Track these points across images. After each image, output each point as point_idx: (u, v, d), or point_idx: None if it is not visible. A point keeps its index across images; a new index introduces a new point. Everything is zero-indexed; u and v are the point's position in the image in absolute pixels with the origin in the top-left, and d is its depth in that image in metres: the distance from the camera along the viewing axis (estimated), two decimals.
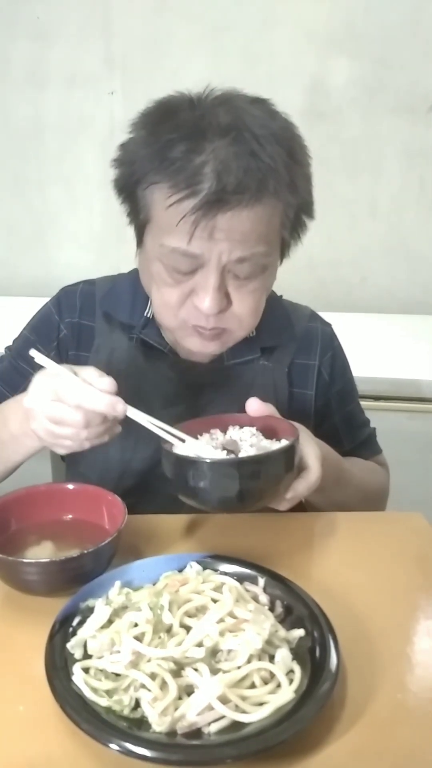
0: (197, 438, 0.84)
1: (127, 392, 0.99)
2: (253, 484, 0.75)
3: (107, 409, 0.77)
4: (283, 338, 1.05)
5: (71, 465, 1.09)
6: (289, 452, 0.77)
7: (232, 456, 0.78)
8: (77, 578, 0.73)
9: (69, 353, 1.03)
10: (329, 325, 1.12)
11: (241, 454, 0.79)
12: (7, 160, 2.19)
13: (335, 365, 1.09)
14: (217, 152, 0.76)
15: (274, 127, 0.81)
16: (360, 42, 1.94)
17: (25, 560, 0.73)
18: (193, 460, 0.75)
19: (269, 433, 0.85)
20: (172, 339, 0.98)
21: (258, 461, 0.76)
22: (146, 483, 1.00)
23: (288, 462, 0.78)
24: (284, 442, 0.80)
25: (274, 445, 0.81)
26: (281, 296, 1.11)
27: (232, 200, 0.77)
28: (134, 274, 1.03)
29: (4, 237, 2.27)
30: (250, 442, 0.81)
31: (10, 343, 1.10)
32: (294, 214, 0.85)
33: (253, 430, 0.84)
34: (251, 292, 0.87)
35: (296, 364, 1.06)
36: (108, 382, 0.78)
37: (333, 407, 1.10)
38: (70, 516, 0.86)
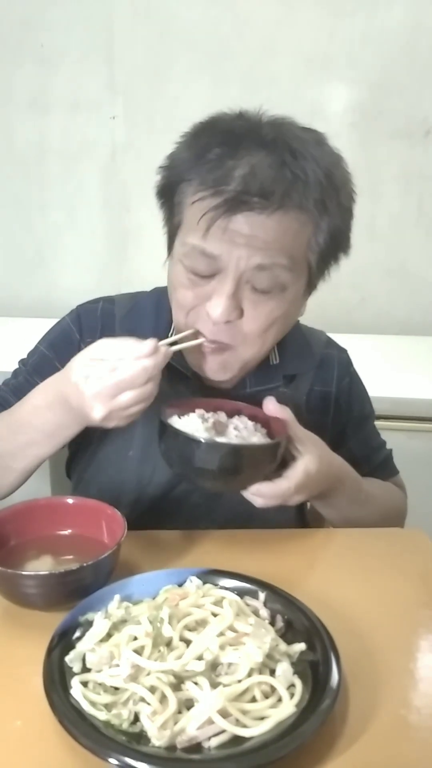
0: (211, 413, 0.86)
1: (147, 416, 0.99)
2: (211, 467, 0.78)
3: (156, 350, 0.78)
4: (304, 367, 1.04)
5: (81, 487, 1.06)
6: (259, 451, 0.81)
7: (205, 436, 0.80)
8: (76, 592, 0.73)
9: None
10: (345, 351, 1.11)
11: (219, 439, 0.80)
12: (10, 183, 2.21)
13: (352, 391, 1.09)
14: (250, 159, 0.78)
15: (316, 149, 0.81)
16: (358, 68, 1.97)
17: (24, 573, 0.73)
18: (172, 431, 0.80)
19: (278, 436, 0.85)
20: (194, 361, 0.95)
21: (218, 447, 0.77)
22: (159, 508, 0.99)
23: (254, 459, 0.80)
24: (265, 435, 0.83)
25: (258, 434, 0.83)
26: (297, 321, 1.08)
27: (253, 203, 0.78)
28: (156, 293, 1.03)
29: (7, 259, 2.29)
30: (238, 432, 0.82)
31: (24, 357, 1.07)
32: (324, 240, 0.84)
33: (256, 425, 0.85)
34: (267, 312, 0.85)
35: (314, 392, 1.05)
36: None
37: (349, 433, 1.09)
38: (70, 530, 0.85)
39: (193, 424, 0.82)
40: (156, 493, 0.99)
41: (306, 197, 0.79)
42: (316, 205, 0.81)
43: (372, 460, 1.12)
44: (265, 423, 0.87)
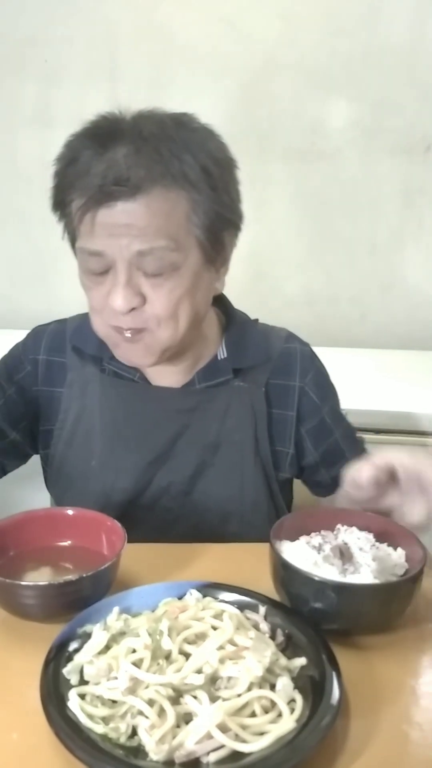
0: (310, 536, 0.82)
1: (103, 425, 1.00)
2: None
3: None
4: (256, 359, 1.04)
5: (57, 501, 1.09)
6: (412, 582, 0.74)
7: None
8: (75, 603, 0.72)
9: (33, 388, 1.04)
10: (308, 345, 1.11)
11: (362, 570, 0.75)
12: (13, 197, 2.22)
13: (321, 384, 1.08)
14: (110, 155, 0.81)
15: (174, 130, 0.84)
16: (359, 86, 1.99)
17: (23, 583, 0.72)
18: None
19: (384, 536, 0.81)
20: (122, 357, 0.98)
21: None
22: (128, 514, 0.99)
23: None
24: (402, 556, 0.78)
25: (393, 554, 0.78)
26: (256, 320, 1.11)
27: (114, 193, 0.81)
28: None
29: (9, 272, 2.30)
30: (366, 551, 0.78)
31: None
32: (204, 212, 0.86)
33: (370, 536, 0.81)
34: (167, 292, 0.87)
35: (273, 385, 1.04)
36: None
37: (330, 424, 1.08)
38: (69, 542, 0.85)
39: (306, 553, 0.78)
40: (122, 500, 1.00)
41: (165, 175, 0.82)
42: (179, 180, 0.83)
43: (356, 448, 1.11)
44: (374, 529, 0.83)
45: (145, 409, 1.01)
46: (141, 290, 0.87)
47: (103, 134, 0.84)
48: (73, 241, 0.92)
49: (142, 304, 0.87)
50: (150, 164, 0.81)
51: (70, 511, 0.86)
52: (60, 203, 0.90)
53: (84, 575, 0.72)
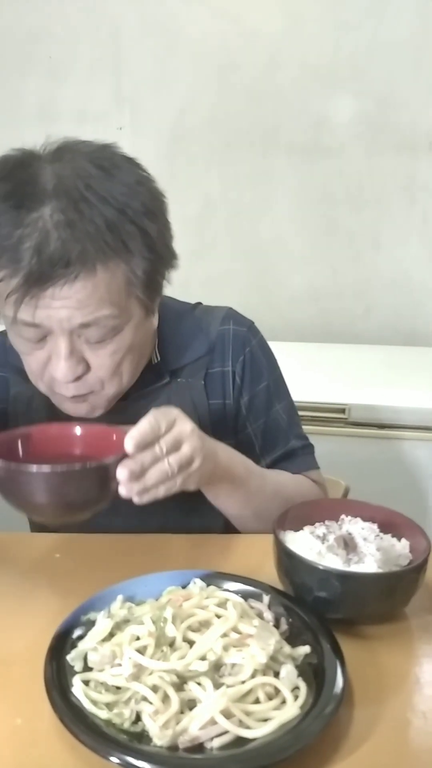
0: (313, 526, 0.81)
1: None
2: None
3: None
4: (192, 355, 1.00)
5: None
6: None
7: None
8: (84, 497, 0.72)
9: None
10: (247, 324, 1.04)
11: (366, 560, 0.74)
12: None
13: (246, 370, 1.01)
14: (35, 224, 0.74)
15: (105, 185, 0.76)
16: (363, 81, 1.99)
17: (33, 467, 0.69)
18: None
19: (388, 527, 0.81)
20: (67, 410, 0.93)
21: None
22: (92, 521, 0.98)
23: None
24: (406, 546, 0.78)
25: (397, 545, 0.78)
26: (198, 303, 1.06)
27: (54, 274, 0.74)
28: None
29: None
30: (370, 541, 0.78)
31: None
32: (143, 270, 0.80)
33: (374, 527, 0.80)
34: (110, 355, 0.83)
35: (211, 374, 1.00)
36: None
37: (246, 416, 1.03)
38: (78, 452, 0.82)
39: (310, 543, 0.77)
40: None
41: (104, 249, 0.76)
42: (117, 249, 0.77)
43: (276, 448, 1.04)
44: (378, 520, 0.82)
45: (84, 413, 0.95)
46: (83, 356, 0.82)
47: (21, 196, 0.75)
48: None
49: (86, 371, 0.84)
50: (86, 240, 0.74)
51: (77, 426, 0.83)
52: None
53: (87, 464, 0.70)
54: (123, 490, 0.73)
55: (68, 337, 0.80)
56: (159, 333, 0.98)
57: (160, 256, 0.83)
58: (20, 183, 0.76)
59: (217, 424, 1.01)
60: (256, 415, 1.03)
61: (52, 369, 0.83)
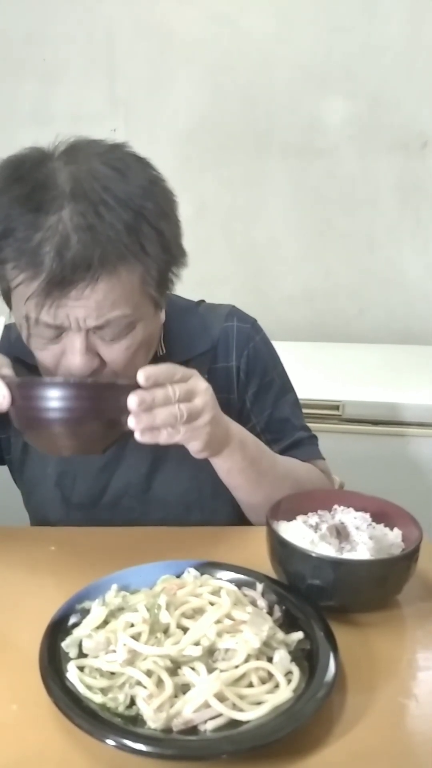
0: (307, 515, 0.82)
1: None
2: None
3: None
4: (196, 349, 1.01)
5: (26, 502, 1.09)
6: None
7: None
8: (96, 421, 0.73)
9: None
10: (250, 321, 1.06)
11: (359, 549, 0.76)
12: None
13: (251, 365, 1.03)
14: (55, 227, 0.74)
15: (122, 187, 0.77)
16: (356, 82, 2.01)
17: (48, 380, 0.72)
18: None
19: (380, 517, 0.82)
20: None
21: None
22: (93, 518, 1.00)
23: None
24: (399, 536, 0.79)
25: (389, 534, 0.79)
26: (201, 301, 1.08)
27: (74, 278, 0.75)
28: None
29: None
30: (362, 530, 0.78)
31: None
32: (156, 269, 0.82)
33: (366, 516, 0.81)
34: (123, 350, 0.84)
35: (215, 369, 1.02)
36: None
37: (251, 409, 1.04)
38: None
39: (303, 532, 0.78)
40: (84, 502, 1.01)
41: (124, 252, 0.76)
42: (135, 251, 0.78)
43: (282, 440, 1.06)
44: (371, 510, 0.83)
45: None
46: (98, 351, 0.84)
47: (39, 199, 0.75)
48: (5, 293, 0.85)
49: (100, 365, 0.85)
50: (106, 243, 0.75)
51: (88, 380, 0.83)
52: None
53: (102, 381, 0.73)
54: (131, 420, 0.74)
55: (84, 335, 0.81)
56: (165, 327, 0.99)
57: (173, 256, 0.84)
58: (37, 185, 0.76)
59: None
60: (261, 408, 1.05)
61: (67, 363, 0.83)
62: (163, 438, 0.77)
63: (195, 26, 2.04)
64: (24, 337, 0.86)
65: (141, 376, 0.74)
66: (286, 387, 1.09)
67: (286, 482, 0.94)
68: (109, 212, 0.75)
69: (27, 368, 0.97)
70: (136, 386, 0.74)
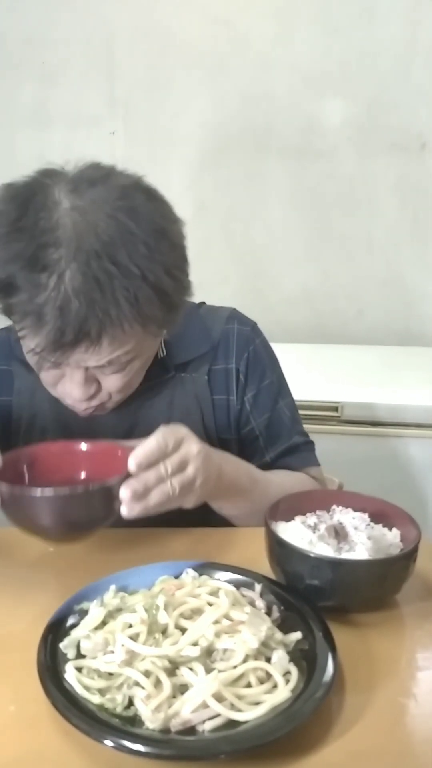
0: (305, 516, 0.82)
1: (55, 431, 1.00)
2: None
3: None
4: (196, 351, 1.02)
5: None
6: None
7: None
8: (86, 519, 0.73)
9: None
10: (251, 324, 1.07)
11: (357, 549, 0.75)
12: None
13: (251, 368, 1.04)
14: (57, 289, 0.73)
15: (126, 251, 0.74)
16: (354, 83, 2.01)
17: (36, 492, 0.71)
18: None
19: (379, 517, 0.82)
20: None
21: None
22: None
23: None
24: (397, 536, 0.79)
25: (388, 534, 0.79)
26: (202, 303, 1.09)
27: (76, 341, 0.76)
28: None
29: None
30: (361, 530, 0.78)
31: None
32: (163, 317, 0.81)
33: (365, 516, 0.81)
34: (122, 377, 0.86)
35: (215, 371, 1.03)
36: None
37: (250, 411, 1.05)
38: (83, 475, 0.84)
39: (302, 533, 0.78)
40: None
41: (122, 322, 0.76)
42: (136, 318, 0.77)
43: (279, 444, 1.06)
44: (369, 510, 0.83)
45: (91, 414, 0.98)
46: (96, 379, 0.86)
47: (42, 258, 0.73)
48: (6, 311, 0.82)
49: (98, 390, 0.87)
50: (106, 317, 0.74)
51: (84, 444, 0.85)
52: None
53: (90, 486, 0.72)
54: (124, 510, 0.74)
55: (83, 370, 0.83)
56: (165, 331, 0.99)
57: (175, 306, 0.83)
58: (41, 244, 0.74)
59: (220, 419, 1.03)
60: (260, 411, 1.05)
61: (66, 389, 0.86)
62: (154, 510, 0.77)
63: (194, 28, 2.04)
64: (24, 350, 0.87)
65: (132, 463, 0.74)
66: (285, 391, 1.09)
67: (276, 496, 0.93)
68: (111, 282, 0.74)
69: (28, 368, 0.97)
70: (126, 475, 0.74)
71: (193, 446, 0.80)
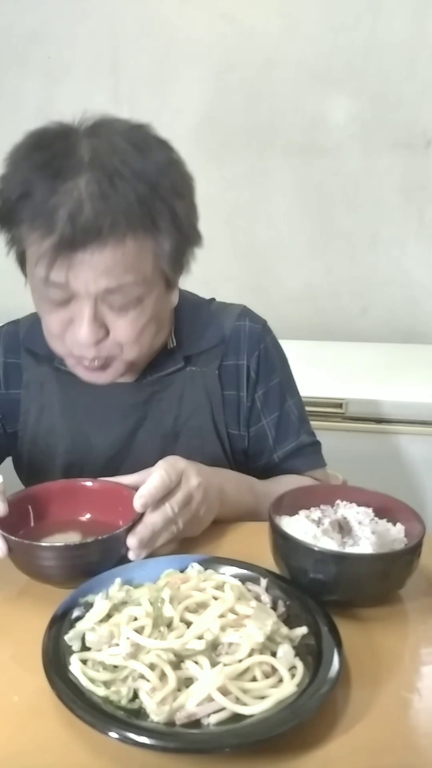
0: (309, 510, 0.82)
1: (63, 423, 1.01)
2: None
3: None
4: (207, 344, 1.02)
5: (28, 477, 1.08)
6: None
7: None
8: (90, 567, 0.74)
9: None
10: (261, 322, 1.08)
11: (362, 543, 0.75)
12: None
13: (261, 365, 1.04)
14: (71, 193, 0.77)
15: (139, 162, 0.80)
16: (359, 80, 2.00)
17: (42, 544, 0.74)
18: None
19: (383, 512, 0.82)
20: (87, 379, 0.98)
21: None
22: None
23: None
24: (401, 531, 0.78)
25: (392, 529, 0.79)
26: (212, 299, 1.10)
27: (85, 241, 0.78)
28: None
29: (14, 268, 2.31)
30: (365, 525, 0.78)
31: None
32: (169, 245, 0.84)
33: (369, 511, 0.81)
34: (131, 322, 0.86)
35: (225, 366, 1.03)
36: None
37: (261, 409, 1.05)
38: (88, 515, 0.86)
39: (306, 527, 0.78)
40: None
41: (134, 224, 0.79)
42: (146, 224, 0.81)
43: (286, 443, 1.07)
44: (374, 506, 0.83)
45: (100, 406, 1.00)
46: (105, 322, 0.86)
47: (58, 166, 0.78)
48: (21, 260, 0.89)
49: (107, 335, 0.87)
50: (118, 213, 0.78)
51: (89, 483, 0.87)
52: (4, 221, 0.85)
53: (99, 538, 0.74)
54: (132, 555, 0.76)
55: (93, 302, 0.83)
56: (176, 320, 1.01)
57: (186, 235, 0.86)
58: (58, 153, 0.79)
59: (230, 414, 1.04)
60: (270, 409, 1.06)
61: (74, 331, 0.85)
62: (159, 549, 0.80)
63: (199, 24, 2.04)
64: (35, 301, 0.88)
65: (138, 505, 0.76)
66: (293, 390, 1.10)
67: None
68: (123, 184, 0.78)
69: (36, 359, 0.99)
70: (132, 524, 0.77)
71: (192, 480, 0.82)
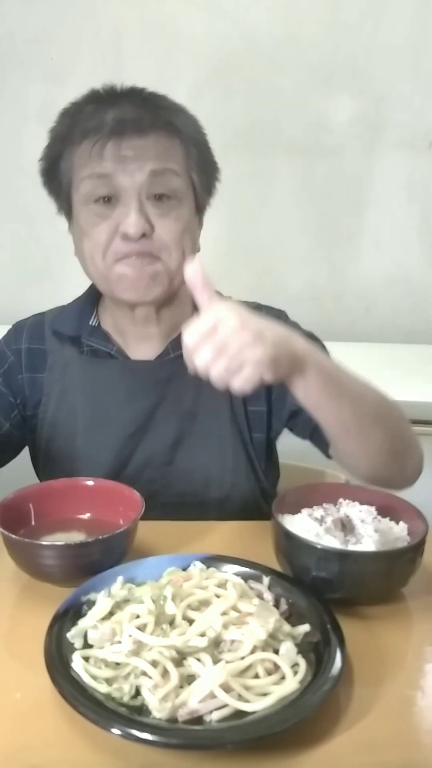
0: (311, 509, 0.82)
1: (84, 401, 1.03)
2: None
3: None
4: None
5: (46, 460, 1.08)
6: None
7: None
8: (91, 566, 0.74)
9: (18, 377, 1.07)
10: (280, 312, 1.12)
11: (364, 541, 0.76)
12: (20, 194, 2.24)
13: None
14: (115, 105, 0.92)
15: (163, 99, 0.97)
16: (363, 81, 2.00)
17: (42, 543, 0.75)
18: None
19: (386, 511, 0.82)
20: (120, 341, 1.05)
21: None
22: None
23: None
24: (404, 529, 0.78)
25: (395, 528, 0.79)
26: (229, 297, 1.08)
27: (129, 129, 0.90)
28: (81, 297, 1.11)
29: (15, 268, 2.31)
30: (368, 523, 0.78)
31: None
32: (196, 156, 0.96)
33: (372, 509, 0.81)
34: (174, 221, 0.94)
35: None
36: None
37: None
38: (88, 514, 0.87)
39: (308, 525, 0.78)
40: (106, 474, 1.00)
41: (168, 122, 0.93)
42: (179, 131, 0.94)
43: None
44: (376, 504, 0.83)
45: (122, 384, 1.02)
46: (150, 219, 0.93)
47: (106, 95, 0.95)
48: (66, 191, 0.97)
49: (151, 232, 0.93)
50: (154, 114, 0.92)
51: (90, 482, 0.88)
52: (53, 163, 0.97)
53: (100, 537, 0.74)
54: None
55: (137, 194, 0.92)
56: (193, 308, 1.02)
57: (209, 160, 1.00)
58: (101, 93, 0.96)
59: (251, 395, 0.98)
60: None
61: (123, 226, 0.92)
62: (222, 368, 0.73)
63: (201, 25, 2.04)
64: (81, 228, 0.96)
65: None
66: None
67: (369, 392, 0.91)
68: (157, 101, 0.96)
69: (61, 341, 1.05)
70: (133, 526, 0.79)
71: (220, 308, 0.75)
